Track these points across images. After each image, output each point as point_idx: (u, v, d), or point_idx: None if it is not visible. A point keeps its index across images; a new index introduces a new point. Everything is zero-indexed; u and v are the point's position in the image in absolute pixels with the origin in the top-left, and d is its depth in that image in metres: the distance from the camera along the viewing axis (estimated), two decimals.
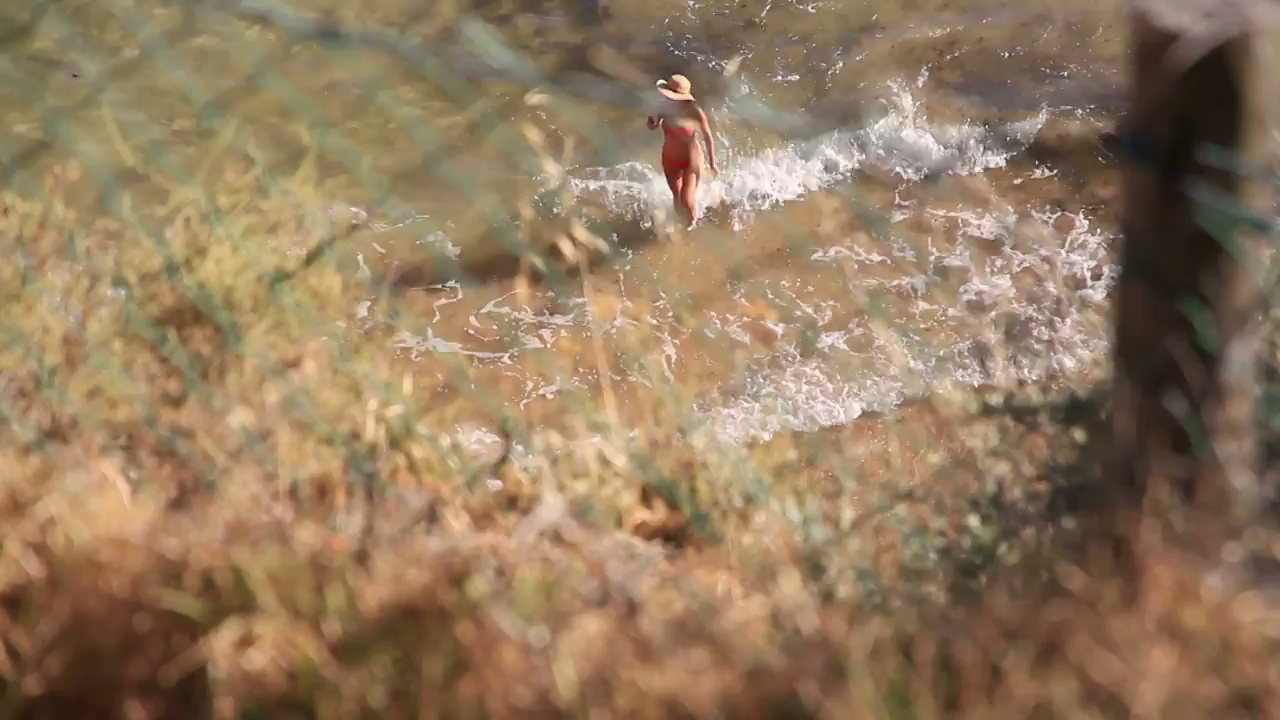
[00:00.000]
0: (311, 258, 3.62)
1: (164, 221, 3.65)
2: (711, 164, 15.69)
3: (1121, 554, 2.43)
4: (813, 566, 3.03)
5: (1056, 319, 14.62)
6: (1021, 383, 3.13)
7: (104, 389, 3.47)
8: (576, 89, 2.78)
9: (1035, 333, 14.33)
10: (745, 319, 15.44)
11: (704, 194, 15.97)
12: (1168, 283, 2.44)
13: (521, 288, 3.24)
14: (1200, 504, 2.48)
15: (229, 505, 2.94)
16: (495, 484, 3.37)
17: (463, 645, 2.55)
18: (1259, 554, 2.48)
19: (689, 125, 15.33)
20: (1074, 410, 2.97)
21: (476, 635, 2.55)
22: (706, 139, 15.57)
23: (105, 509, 2.83)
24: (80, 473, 2.93)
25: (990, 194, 16.19)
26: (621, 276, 15.38)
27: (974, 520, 3.01)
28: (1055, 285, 15.26)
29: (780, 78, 17.70)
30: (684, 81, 15.38)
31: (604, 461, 3.38)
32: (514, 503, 3.31)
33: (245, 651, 2.60)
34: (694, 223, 15.77)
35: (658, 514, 3.35)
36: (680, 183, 15.70)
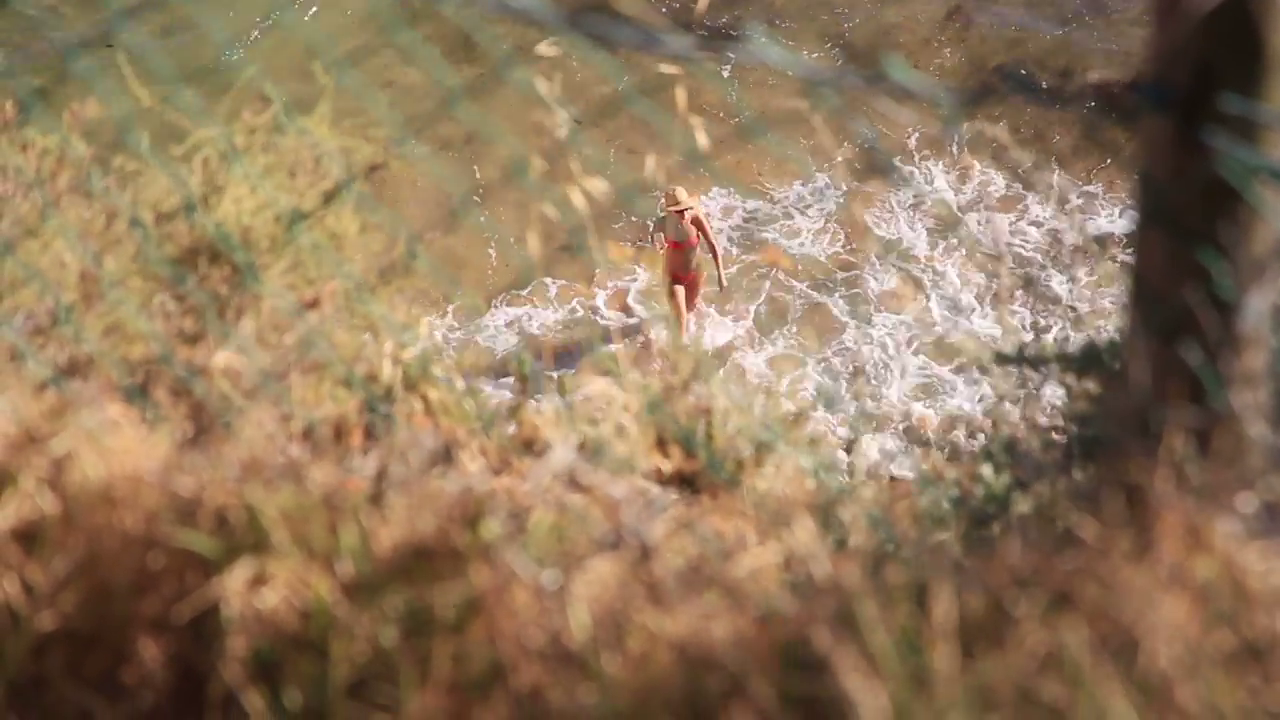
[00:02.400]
0: (329, 198, 3.61)
1: (182, 160, 3.65)
2: (720, 279, 14.85)
3: (1135, 503, 2.43)
4: (827, 514, 3.03)
5: (1074, 268, 14.58)
6: (1039, 332, 3.13)
7: (121, 326, 3.48)
8: (595, 31, 2.76)
9: (1054, 282, 14.29)
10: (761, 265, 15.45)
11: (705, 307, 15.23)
12: (1185, 231, 2.43)
13: (533, 236, 3.23)
14: (1214, 454, 2.48)
15: (244, 444, 2.94)
16: (511, 427, 3.37)
17: (475, 587, 2.55)
18: (1273, 504, 2.48)
19: (692, 236, 14.54)
20: (1090, 359, 2.96)
21: (489, 577, 2.56)
22: (712, 249, 14.73)
23: (120, 446, 2.84)
24: (96, 410, 2.93)
25: (1009, 143, 16.12)
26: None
27: (987, 469, 3.01)
28: (1074, 234, 15.22)
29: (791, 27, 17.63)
30: (681, 191, 14.49)
31: (620, 406, 3.38)
32: (530, 446, 3.31)
33: (258, 590, 2.60)
34: (691, 333, 14.93)
35: (673, 459, 3.35)
36: (684, 295, 14.79)
